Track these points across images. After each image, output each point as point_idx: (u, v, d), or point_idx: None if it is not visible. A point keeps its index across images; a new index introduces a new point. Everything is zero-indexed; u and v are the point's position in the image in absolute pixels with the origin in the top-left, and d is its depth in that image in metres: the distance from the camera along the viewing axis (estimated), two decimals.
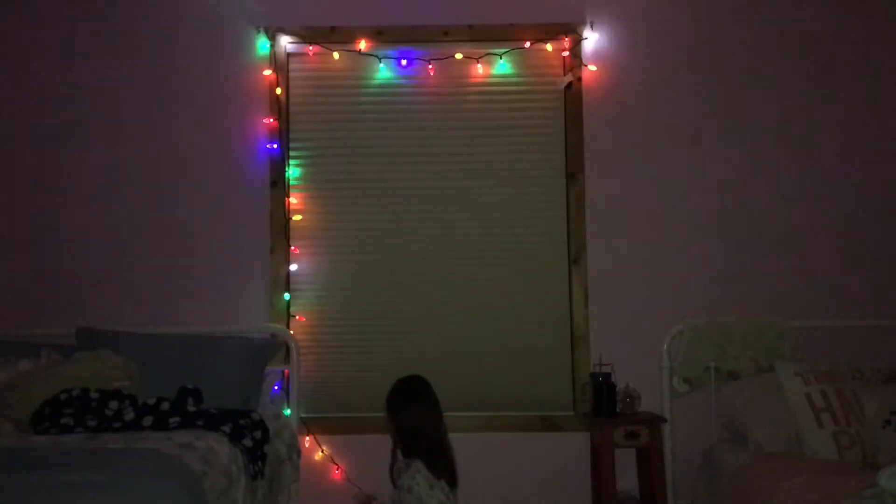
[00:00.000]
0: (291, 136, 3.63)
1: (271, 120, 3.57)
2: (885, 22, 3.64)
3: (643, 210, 3.59)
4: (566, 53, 3.62)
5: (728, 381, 3.30)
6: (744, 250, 3.56)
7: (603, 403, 3.26)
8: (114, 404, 2.69)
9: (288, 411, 3.38)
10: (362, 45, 3.58)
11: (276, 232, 3.55)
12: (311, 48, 3.60)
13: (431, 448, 2.82)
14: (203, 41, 3.62)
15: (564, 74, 3.61)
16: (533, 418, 3.53)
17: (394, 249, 3.61)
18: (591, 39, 3.60)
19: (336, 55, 3.60)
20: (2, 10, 3.63)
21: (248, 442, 2.65)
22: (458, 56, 3.60)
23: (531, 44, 3.59)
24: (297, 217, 3.59)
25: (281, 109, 3.58)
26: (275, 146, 3.56)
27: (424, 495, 2.74)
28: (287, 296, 3.54)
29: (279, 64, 3.59)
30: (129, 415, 2.64)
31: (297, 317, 3.55)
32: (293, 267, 3.58)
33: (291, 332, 3.48)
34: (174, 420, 2.63)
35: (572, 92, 3.60)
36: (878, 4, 3.65)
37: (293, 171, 3.62)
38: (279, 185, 3.57)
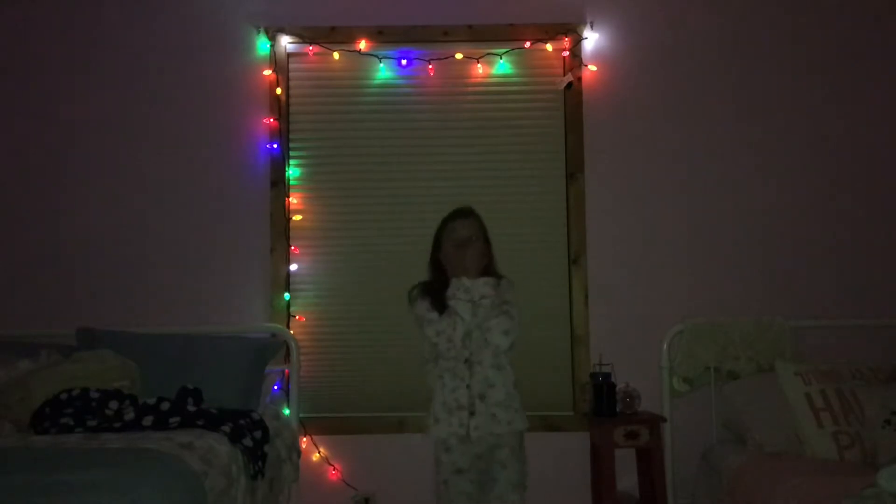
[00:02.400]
0: (291, 136, 3.63)
1: (271, 120, 3.57)
2: (887, 24, 3.65)
3: (643, 210, 3.59)
4: (566, 53, 3.62)
5: (728, 381, 3.30)
6: (744, 250, 3.56)
7: (603, 403, 3.26)
8: (114, 404, 2.70)
9: (287, 411, 3.38)
10: (362, 45, 3.58)
11: (276, 232, 3.55)
12: (311, 48, 3.60)
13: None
14: (203, 41, 3.62)
15: (564, 74, 3.62)
16: (533, 418, 3.49)
17: (394, 249, 3.61)
18: (591, 39, 3.60)
19: (336, 55, 3.60)
20: (2, 11, 3.64)
21: (248, 442, 2.65)
22: (458, 56, 3.60)
23: (531, 44, 3.59)
24: (297, 217, 3.60)
25: (281, 109, 3.58)
26: (275, 146, 3.56)
27: (516, 314, 2.78)
28: (287, 296, 3.54)
29: (279, 64, 3.59)
30: (130, 415, 2.64)
31: (297, 317, 3.55)
32: (293, 267, 3.58)
33: (291, 332, 3.48)
34: (174, 420, 2.63)
35: (572, 92, 3.60)
36: (882, 6, 3.65)
37: (293, 171, 3.62)
38: (279, 185, 3.57)
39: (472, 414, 2.70)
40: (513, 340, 2.76)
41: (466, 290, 2.74)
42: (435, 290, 2.81)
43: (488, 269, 2.84)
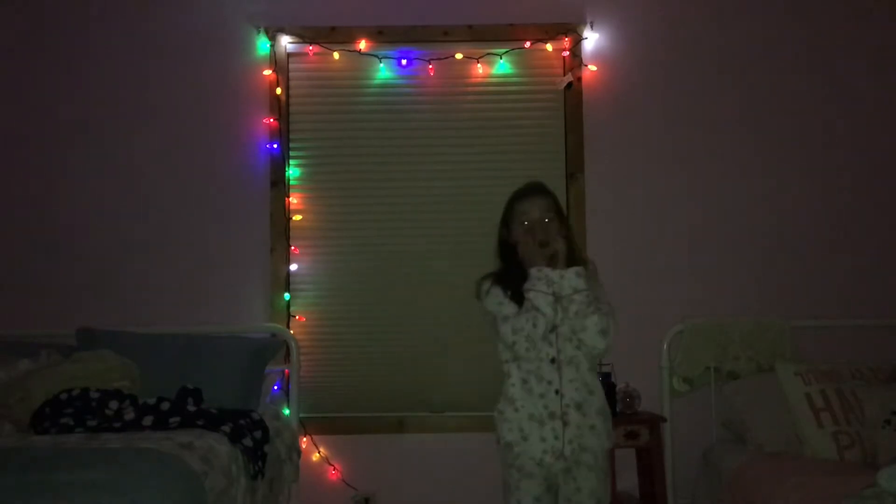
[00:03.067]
0: (291, 136, 3.63)
1: (271, 120, 3.57)
2: (887, 23, 3.64)
3: (643, 210, 3.58)
4: (566, 53, 3.62)
5: (728, 381, 3.30)
6: (743, 250, 3.56)
7: None
8: (114, 404, 2.70)
9: (287, 411, 3.38)
10: (362, 45, 3.58)
11: (276, 232, 3.55)
12: (311, 48, 3.60)
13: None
14: (203, 41, 3.62)
15: (564, 74, 3.62)
16: None
17: (394, 249, 3.61)
18: (591, 39, 3.60)
19: (336, 55, 3.60)
20: (3, 11, 3.64)
21: (248, 442, 2.65)
22: (458, 56, 3.60)
23: (531, 44, 3.59)
24: (297, 217, 3.60)
25: (281, 109, 3.58)
26: (275, 146, 3.56)
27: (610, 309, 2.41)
28: (287, 296, 3.54)
29: (279, 64, 3.59)
30: (130, 415, 2.64)
31: (297, 317, 3.55)
32: (293, 267, 3.58)
33: (291, 331, 3.48)
34: (174, 420, 2.63)
35: (572, 92, 3.60)
36: (883, 7, 3.65)
37: (293, 171, 3.62)
38: (279, 185, 3.56)
39: (565, 424, 2.34)
40: (611, 342, 2.38)
41: (551, 283, 2.34)
42: (510, 281, 2.43)
43: (571, 254, 2.43)
